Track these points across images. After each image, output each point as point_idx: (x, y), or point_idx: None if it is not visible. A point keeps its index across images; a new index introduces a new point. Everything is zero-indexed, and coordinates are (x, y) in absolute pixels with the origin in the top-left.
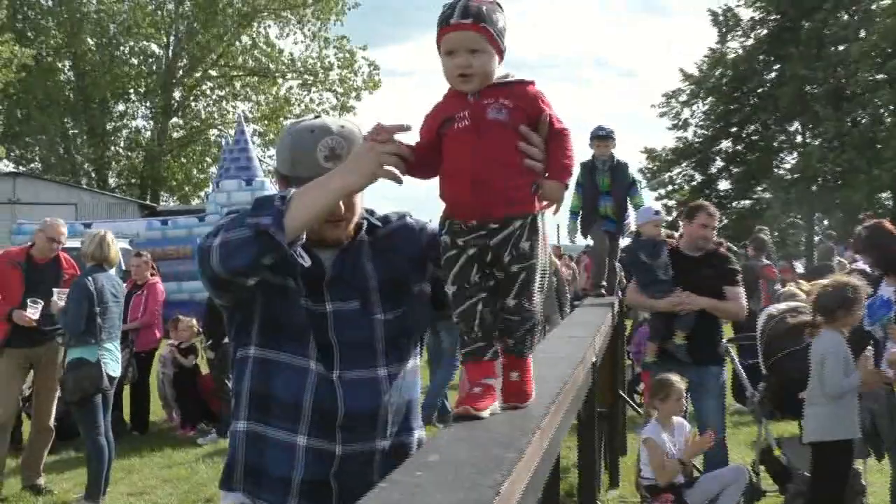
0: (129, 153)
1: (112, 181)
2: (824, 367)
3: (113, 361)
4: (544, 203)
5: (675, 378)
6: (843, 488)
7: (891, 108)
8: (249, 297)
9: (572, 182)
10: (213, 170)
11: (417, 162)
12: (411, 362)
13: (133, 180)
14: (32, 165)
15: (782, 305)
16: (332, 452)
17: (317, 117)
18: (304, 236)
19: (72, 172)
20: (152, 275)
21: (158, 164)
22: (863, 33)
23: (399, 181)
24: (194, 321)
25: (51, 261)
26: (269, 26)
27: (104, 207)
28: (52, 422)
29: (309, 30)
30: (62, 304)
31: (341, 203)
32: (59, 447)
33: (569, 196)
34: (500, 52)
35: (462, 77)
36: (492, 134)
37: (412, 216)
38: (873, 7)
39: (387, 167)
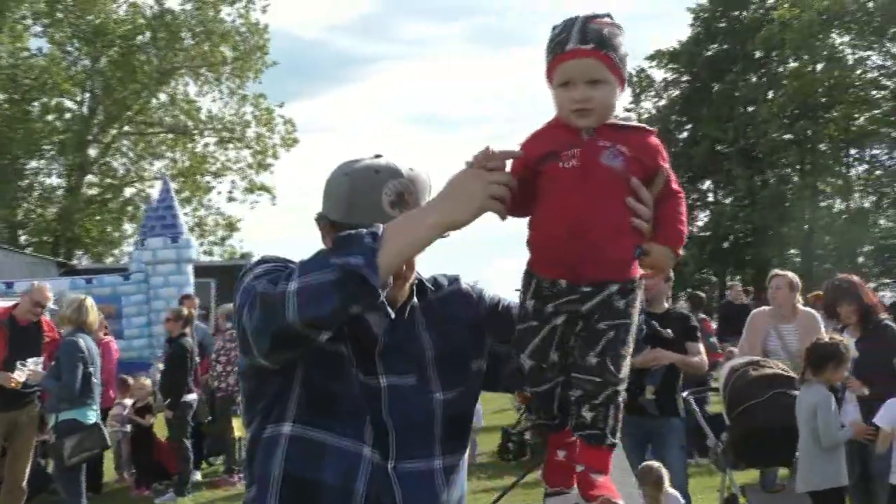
0: (43, 211)
1: (23, 239)
2: (817, 418)
3: (93, 418)
4: (649, 271)
5: (656, 465)
6: None
7: (797, 167)
8: (295, 361)
9: None
10: (128, 227)
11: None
12: (466, 453)
13: (46, 238)
14: None
15: (744, 359)
16: None
17: (378, 156)
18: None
19: None
20: (105, 334)
21: (72, 221)
22: (770, 94)
23: (504, 217)
24: (149, 381)
25: (33, 323)
26: (188, 84)
27: (23, 266)
28: (24, 483)
29: (227, 87)
30: (41, 371)
31: None
32: None
33: None
34: (623, 83)
35: (579, 112)
36: (602, 182)
37: (464, 281)
38: (780, 70)
39: (495, 200)
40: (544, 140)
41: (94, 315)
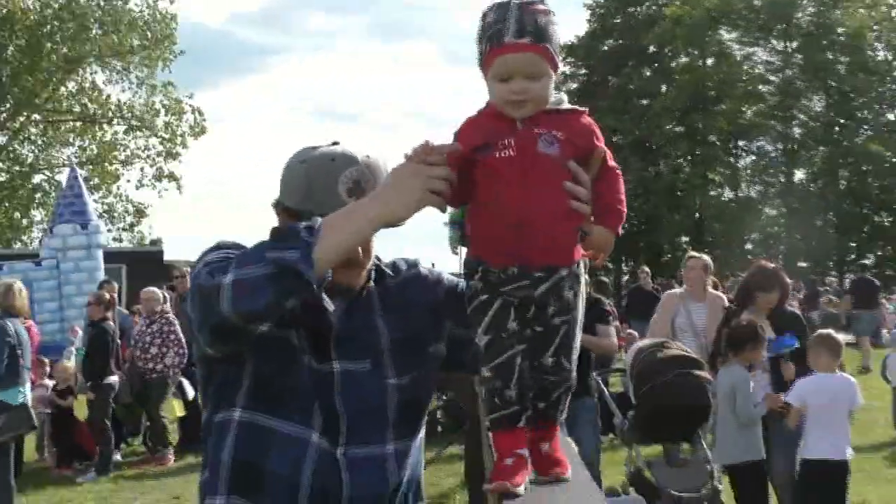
0: None
1: None
2: (736, 396)
3: (27, 398)
4: (590, 251)
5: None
6: (765, 497)
7: (689, 158)
8: (242, 350)
9: None
10: (37, 214)
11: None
12: (419, 435)
13: None
14: None
15: (650, 341)
16: None
17: (335, 143)
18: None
19: None
20: (25, 318)
21: None
22: (663, 88)
23: (444, 209)
24: (71, 364)
25: None
26: (96, 72)
27: None
28: None
29: (136, 76)
30: None
31: None
32: None
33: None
34: (556, 69)
35: (516, 104)
36: (541, 170)
37: (423, 265)
38: (672, 64)
39: (434, 194)
40: (479, 130)
41: (22, 299)
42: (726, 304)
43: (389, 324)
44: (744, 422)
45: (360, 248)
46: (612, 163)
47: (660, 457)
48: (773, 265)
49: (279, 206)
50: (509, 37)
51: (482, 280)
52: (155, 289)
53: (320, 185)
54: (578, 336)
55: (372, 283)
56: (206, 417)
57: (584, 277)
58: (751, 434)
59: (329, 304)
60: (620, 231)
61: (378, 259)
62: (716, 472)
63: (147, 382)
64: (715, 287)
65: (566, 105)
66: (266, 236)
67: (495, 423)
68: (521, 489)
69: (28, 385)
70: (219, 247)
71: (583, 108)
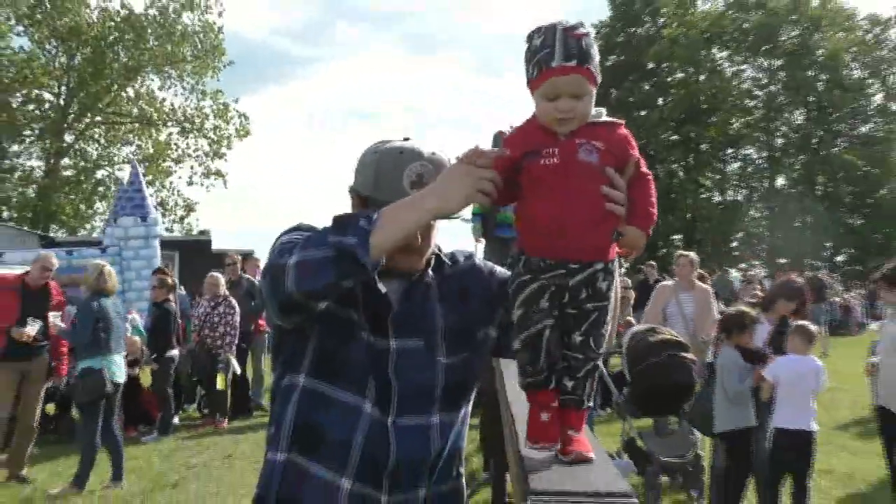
0: (24, 190)
1: (6, 215)
2: (724, 374)
3: (119, 370)
4: (624, 249)
5: None
6: (749, 460)
7: (682, 164)
8: (307, 324)
9: None
10: (100, 205)
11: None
12: (464, 409)
13: (27, 214)
14: None
15: (643, 326)
16: (378, 500)
17: (406, 139)
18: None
19: None
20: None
21: (50, 200)
22: (661, 101)
23: (490, 208)
24: (139, 338)
25: (42, 287)
26: (152, 80)
27: (7, 238)
28: (35, 423)
29: (188, 83)
30: (62, 324)
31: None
32: (41, 443)
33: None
34: (596, 86)
35: (562, 121)
36: (581, 176)
37: (479, 257)
38: (669, 80)
39: (482, 193)
40: (525, 139)
41: (112, 281)
42: (712, 294)
43: (445, 308)
44: (731, 396)
45: (419, 235)
46: (644, 169)
47: (650, 428)
48: (801, 281)
49: (353, 192)
50: (557, 60)
51: (524, 266)
52: (219, 274)
53: (387, 175)
54: (608, 325)
55: (431, 271)
56: (274, 380)
57: (618, 273)
58: (741, 406)
59: (382, 287)
60: (650, 231)
61: (438, 249)
62: (697, 441)
63: (215, 357)
64: (702, 279)
65: (604, 118)
66: (328, 221)
67: (527, 387)
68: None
69: (113, 356)
70: (296, 228)
71: (619, 121)
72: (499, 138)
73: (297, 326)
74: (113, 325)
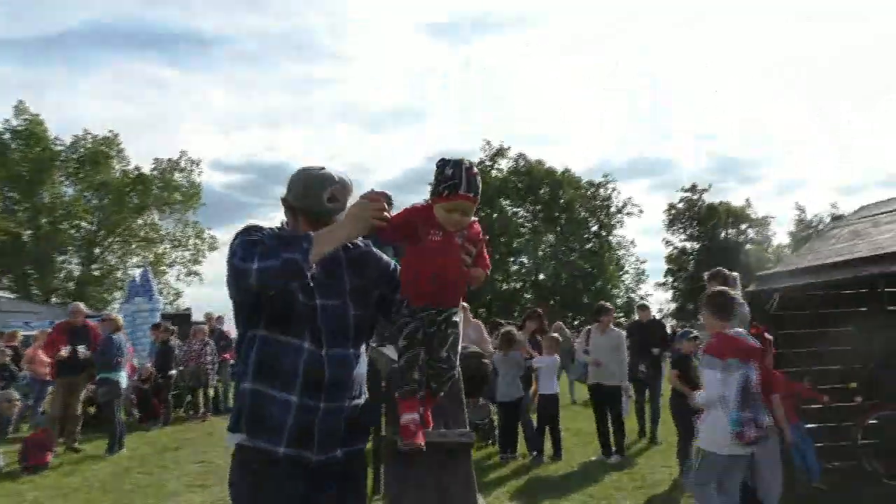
0: (67, 284)
1: (54, 300)
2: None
3: (123, 380)
4: (473, 280)
5: None
6: (518, 417)
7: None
8: (258, 298)
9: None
10: (117, 294)
11: (389, 228)
12: (364, 347)
13: (67, 301)
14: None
15: (471, 347)
16: (317, 407)
17: (322, 169)
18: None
19: (28, 297)
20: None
21: (85, 290)
22: None
23: (383, 237)
24: (149, 365)
25: (81, 326)
26: (154, 214)
27: (53, 313)
28: (78, 412)
29: (177, 216)
30: (87, 353)
31: None
32: (87, 431)
33: None
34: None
35: (456, 225)
36: (454, 248)
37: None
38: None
39: (377, 222)
40: (422, 215)
41: (121, 325)
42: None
43: (349, 276)
44: (509, 380)
45: None
46: (484, 242)
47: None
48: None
49: (285, 202)
50: (462, 190)
51: (408, 309)
52: (204, 327)
53: (312, 191)
54: (460, 342)
55: (342, 251)
56: (240, 333)
57: (461, 310)
58: (515, 386)
59: (311, 282)
60: (487, 273)
61: None
62: (492, 410)
63: (204, 375)
64: (541, 330)
65: (470, 217)
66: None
67: (402, 394)
68: (423, 445)
69: (123, 373)
70: (247, 230)
71: (475, 219)
72: (444, 167)
73: (253, 295)
74: (123, 352)
